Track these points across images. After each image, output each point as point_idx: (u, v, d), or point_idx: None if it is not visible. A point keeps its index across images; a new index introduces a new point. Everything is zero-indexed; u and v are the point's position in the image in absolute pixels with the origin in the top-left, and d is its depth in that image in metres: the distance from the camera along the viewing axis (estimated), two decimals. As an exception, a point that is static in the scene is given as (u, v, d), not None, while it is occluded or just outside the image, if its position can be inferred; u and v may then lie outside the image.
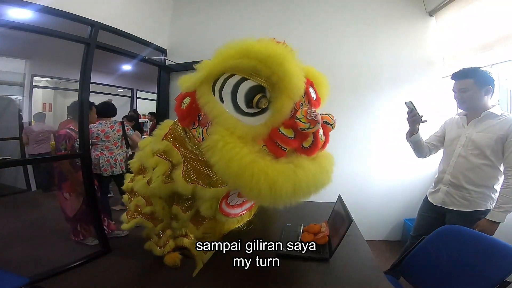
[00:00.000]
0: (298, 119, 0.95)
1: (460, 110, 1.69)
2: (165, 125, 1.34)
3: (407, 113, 1.66)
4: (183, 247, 1.94)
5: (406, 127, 1.91)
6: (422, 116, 1.61)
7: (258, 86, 0.96)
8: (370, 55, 2.83)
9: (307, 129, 0.95)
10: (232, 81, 0.98)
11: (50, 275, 2.06)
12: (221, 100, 0.98)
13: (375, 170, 2.87)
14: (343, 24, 2.88)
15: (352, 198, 2.56)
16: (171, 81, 3.32)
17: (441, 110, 2.77)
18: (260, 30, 3.01)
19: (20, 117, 4.03)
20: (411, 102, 1.61)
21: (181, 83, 1.11)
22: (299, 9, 2.94)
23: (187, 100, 1.10)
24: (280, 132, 0.96)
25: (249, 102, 0.95)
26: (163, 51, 3.20)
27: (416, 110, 1.60)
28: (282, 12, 2.97)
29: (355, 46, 2.86)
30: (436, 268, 1.22)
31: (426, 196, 1.76)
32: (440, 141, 1.75)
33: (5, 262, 2.22)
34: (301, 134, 0.98)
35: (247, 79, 0.97)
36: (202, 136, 1.09)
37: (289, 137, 0.96)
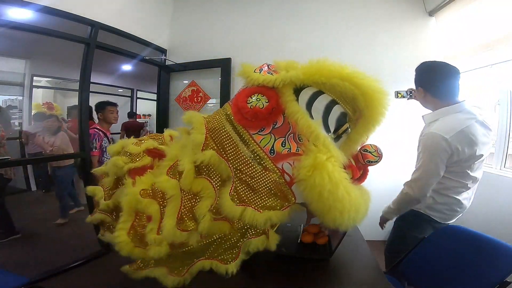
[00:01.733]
0: (370, 152, 1.03)
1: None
2: (196, 122, 0.95)
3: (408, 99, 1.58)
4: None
5: (406, 128, 1.91)
6: None
7: (345, 113, 0.93)
8: (370, 55, 2.83)
9: (374, 162, 1.02)
10: (324, 100, 0.92)
11: (50, 275, 2.06)
12: (310, 115, 0.89)
13: (375, 170, 2.86)
14: (343, 24, 2.88)
15: (352, 198, 2.57)
16: (171, 81, 3.32)
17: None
18: (260, 30, 3.01)
19: (20, 117, 4.03)
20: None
21: (248, 72, 0.96)
22: (299, 9, 2.94)
23: (262, 98, 0.89)
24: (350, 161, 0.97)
25: (338, 128, 0.93)
26: (163, 51, 3.20)
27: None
28: (282, 12, 2.97)
29: (355, 46, 2.86)
30: (436, 268, 1.22)
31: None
32: None
33: (5, 262, 2.22)
34: (362, 165, 1.02)
35: (337, 103, 0.92)
36: (273, 147, 0.88)
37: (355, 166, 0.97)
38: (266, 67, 0.99)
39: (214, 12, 3.12)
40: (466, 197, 1.37)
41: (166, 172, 0.94)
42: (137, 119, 6.13)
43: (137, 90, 6.77)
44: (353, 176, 0.96)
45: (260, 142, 0.88)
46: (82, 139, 2.37)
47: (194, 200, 0.90)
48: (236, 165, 0.89)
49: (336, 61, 0.95)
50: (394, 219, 1.52)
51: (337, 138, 0.93)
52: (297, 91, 0.91)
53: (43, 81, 4.66)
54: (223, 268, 0.90)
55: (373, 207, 3.36)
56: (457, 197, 1.33)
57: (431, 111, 1.39)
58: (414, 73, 1.50)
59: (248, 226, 0.91)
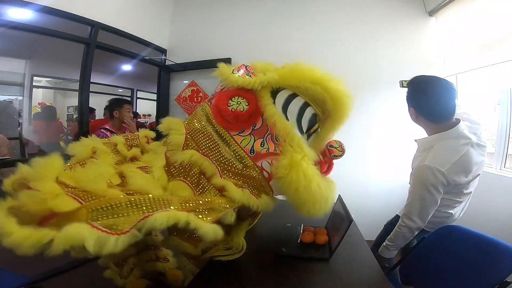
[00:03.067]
0: (335, 147, 1.14)
1: None
2: (174, 125, 0.99)
3: None
4: (158, 273, 1.15)
5: (406, 128, 1.91)
6: None
7: (315, 114, 1.03)
8: (370, 55, 2.84)
9: (338, 156, 1.13)
10: (298, 102, 1.00)
11: (50, 275, 2.06)
12: (286, 117, 0.97)
13: (375, 170, 2.87)
14: (343, 24, 2.89)
15: (352, 198, 2.57)
16: (171, 81, 3.32)
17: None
18: (260, 30, 3.01)
19: (20, 117, 4.03)
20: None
21: (227, 74, 1.00)
22: (299, 9, 2.95)
23: (242, 101, 0.96)
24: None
25: (309, 128, 1.02)
26: (163, 51, 3.20)
27: None
28: (282, 12, 2.97)
29: (355, 46, 2.86)
30: (435, 268, 1.22)
31: None
32: None
33: (5, 262, 2.22)
34: (328, 159, 1.12)
35: (309, 105, 1.01)
36: (253, 147, 0.95)
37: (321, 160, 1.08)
38: (244, 69, 1.04)
39: (214, 12, 3.13)
40: (459, 209, 1.37)
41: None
42: (138, 119, 6.13)
43: (137, 90, 6.77)
44: (321, 170, 1.07)
45: (240, 143, 0.95)
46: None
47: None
48: (219, 163, 0.94)
49: (309, 64, 1.03)
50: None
51: (308, 136, 1.04)
52: (274, 93, 0.99)
53: (43, 81, 4.66)
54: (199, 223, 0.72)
55: (373, 207, 3.36)
56: (450, 211, 1.33)
57: (425, 135, 1.36)
58: (407, 88, 1.40)
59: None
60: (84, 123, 2.36)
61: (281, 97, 0.99)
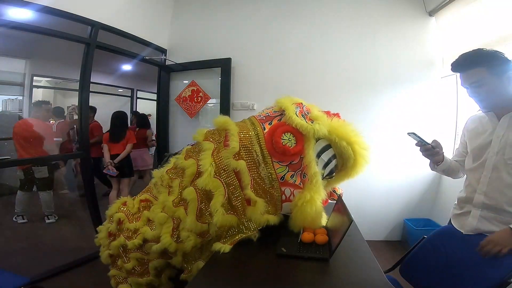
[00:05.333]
0: (336, 193, 1.57)
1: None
2: (232, 130, 1.23)
3: (416, 145, 1.32)
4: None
5: (406, 128, 1.91)
6: (432, 144, 1.29)
7: (337, 165, 1.29)
8: (369, 55, 2.83)
9: (336, 199, 1.43)
10: (329, 153, 1.24)
11: (50, 275, 2.06)
12: (317, 162, 1.21)
13: (375, 170, 2.87)
14: (343, 24, 2.89)
15: (352, 198, 2.56)
16: (171, 81, 3.32)
17: (440, 111, 2.78)
18: (260, 30, 3.01)
19: (20, 117, 4.03)
20: (415, 134, 1.26)
21: (290, 109, 1.21)
22: (299, 9, 2.94)
23: (293, 139, 1.18)
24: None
25: (328, 175, 1.29)
26: (163, 51, 3.20)
27: (423, 140, 1.28)
28: (282, 12, 2.97)
29: (355, 46, 2.86)
30: (436, 268, 1.22)
31: (449, 221, 1.36)
32: (466, 155, 1.33)
33: (5, 261, 2.22)
34: (327, 199, 1.39)
35: (335, 158, 1.27)
36: (284, 176, 1.21)
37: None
38: (302, 108, 1.26)
39: (214, 12, 3.13)
40: None
41: (166, 172, 1.33)
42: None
43: (137, 90, 6.77)
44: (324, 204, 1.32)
45: (277, 169, 1.20)
46: (82, 139, 2.37)
47: (207, 201, 1.18)
48: (253, 177, 1.19)
49: (351, 126, 1.27)
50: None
51: (324, 180, 1.28)
52: (317, 139, 1.22)
53: (43, 81, 4.66)
54: (219, 246, 1.15)
55: (373, 207, 3.35)
56: None
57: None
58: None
59: (249, 224, 1.22)
60: (84, 123, 2.35)
61: (319, 145, 1.23)
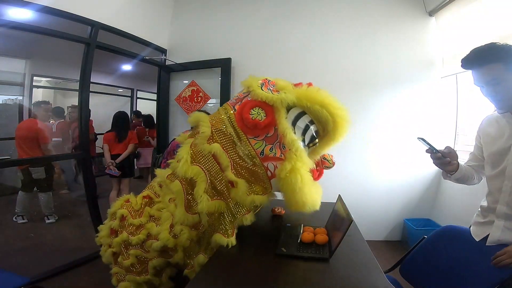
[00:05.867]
0: (327, 160, 1.47)
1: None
2: (203, 118, 1.25)
3: (426, 151, 1.18)
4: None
5: (406, 128, 1.90)
6: (444, 150, 1.17)
7: (317, 131, 1.26)
8: (370, 55, 2.83)
9: (329, 168, 1.48)
10: (305, 119, 1.22)
11: (50, 275, 2.06)
12: (294, 131, 1.18)
13: (375, 170, 2.87)
14: (343, 24, 2.89)
15: (352, 198, 2.56)
16: (171, 81, 3.32)
17: (440, 111, 2.78)
18: (260, 30, 3.01)
19: (20, 117, 4.03)
20: (424, 140, 1.13)
21: (254, 86, 1.19)
22: (299, 9, 2.94)
23: (262, 113, 1.17)
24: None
25: (310, 142, 1.25)
26: (163, 51, 3.20)
27: (433, 147, 1.14)
28: (282, 12, 2.97)
29: (355, 46, 2.86)
30: (436, 268, 1.22)
31: (469, 230, 1.23)
32: (482, 160, 1.22)
33: (5, 261, 2.22)
34: (320, 168, 1.42)
35: (313, 123, 1.23)
36: (263, 150, 1.18)
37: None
38: (267, 83, 1.23)
39: (214, 12, 3.12)
40: None
41: (167, 177, 1.27)
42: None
43: (137, 90, 6.78)
44: (313, 176, 1.30)
45: (254, 145, 1.18)
46: (82, 139, 2.37)
47: (193, 191, 1.16)
48: (233, 158, 1.18)
49: (321, 89, 1.25)
50: None
51: (308, 148, 1.26)
52: (287, 109, 1.20)
53: (43, 81, 4.67)
54: (225, 240, 1.15)
55: (373, 207, 3.36)
56: None
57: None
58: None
59: (237, 208, 1.22)
60: (84, 123, 2.35)
61: (292, 114, 1.20)
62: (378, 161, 2.87)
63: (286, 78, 3.28)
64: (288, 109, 1.20)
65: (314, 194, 1.21)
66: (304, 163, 1.15)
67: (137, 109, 6.57)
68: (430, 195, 2.81)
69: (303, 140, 1.22)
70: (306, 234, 1.20)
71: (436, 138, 2.75)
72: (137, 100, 6.86)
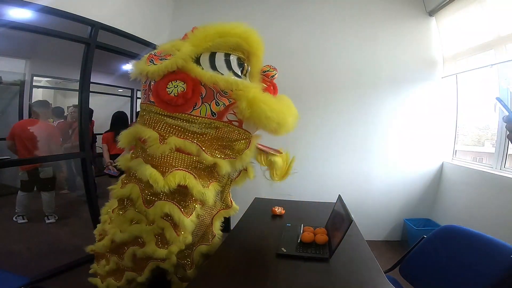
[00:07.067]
0: (268, 70, 1.37)
1: None
2: (141, 132, 1.13)
3: (503, 119, 0.83)
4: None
5: (406, 128, 1.89)
6: None
7: (239, 57, 1.20)
8: (370, 55, 2.83)
9: (275, 74, 1.40)
10: (220, 56, 1.15)
11: (50, 275, 2.06)
12: (220, 73, 1.13)
13: (375, 170, 2.87)
14: (343, 24, 2.88)
15: (352, 198, 2.56)
16: (171, 81, 3.31)
17: (441, 111, 2.78)
18: (260, 30, 2.99)
19: (20, 117, 4.03)
20: (502, 101, 0.84)
21: (144, 68, 1.12)
22: (299, 9, 2.94)
23: (179, 83, 1.07)
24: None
25: (242, 70, 1.20)
26: (163, 51, 3.20)
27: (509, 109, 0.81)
28: (282, 13, 2.97)
29: (355, 46, 2.86)
30: (435, 268, 1.22)
31: None
32: None
33: (5, 262, 2.22)
34: (269, 82, 1.37)
35: (230, 54, 1.17)
36: (212, 111, 1.11)
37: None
38: (154, 55, 1.16)
39: (214, 12, 3.12)
40: None
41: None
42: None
43: (137, 90, 6.76)
44: (270, 93, 1.28)
45: (201, 115, 1.10)
46: (82, 139, 2.37)
47: (150, 188, 1.07)
48: (196, 140, 1.11)
49: (208, 24, 1.19)
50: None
51: (245, 76, 1.22)
52: (197, 61, 1.12)
53: (43, 81, 4.66)
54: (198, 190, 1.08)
55: (373, 207, 3.35)
56: None
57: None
58: None
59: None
60: (84, 123, 2.35)
61: (205, 61, 1.14)
62: (378, 161, 2.87)
63: (286, 78, 3.29)
64: (197, 61, 1.12)
65: (286, 104, 1.22)
66: (253, 89, 1.12)
67: (138, 110, 6.57)
68: (430, 195, 2.81)
69: (235, 74, 1.17)
70: (306, 234, 1.20)
71: (436, 138, 2.76)
72: (137, 100, 6.85)
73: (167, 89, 1.07)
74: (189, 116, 1.10)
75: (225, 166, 1.12)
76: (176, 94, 1.06)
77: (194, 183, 1.07)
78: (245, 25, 1.20)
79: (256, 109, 1.07)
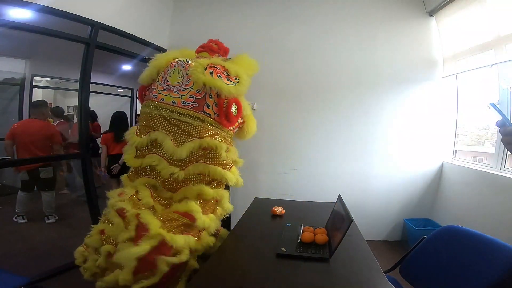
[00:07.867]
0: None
1: None
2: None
3: (496, 125, 0.83)
4: None
5: (406, 128, 1.89)
6: None
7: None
8: (370, 55, 2.83)
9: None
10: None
11: (50, 275, 2.06)
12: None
13: (375, 170, 2.87)
14: (343, 24, 2.88)
15: (352, 198, 2.56)
16: (171, 81, 3.31)
17: (440, 111, 2.78)
18: (260, 30, 3.01)
19: (20, 117, 4.03)
20: (495, 106, 0.82)
21: (222, 85, 1.58)
22: (299, 9, 2.94)
23: (235, 106, 1.62)
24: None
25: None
26: (163, 51, 3.19)
27: (506, 118, 0.81)
28: (282, 13, 2.97)
29: (355, 46, 2.86)
30: (435, 268, 1.22)
31: None
32: None
33: (5, 262, 2.22)
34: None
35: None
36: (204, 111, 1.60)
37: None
38: (217, 70, 1.66)
39: (214, 12, 3.12)
40: None
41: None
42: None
43: (137, 90, 6.77)
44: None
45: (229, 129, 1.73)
46: (82, 139, 2.37)
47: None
48: (228, 140, 1.74)
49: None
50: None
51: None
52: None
53: (43, 81, 4.66)
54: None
55: (373, 207, 3.35)
56: None
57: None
58: None
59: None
60: (84, 123, 2.35)
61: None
62: (378, 161, 2.87)
63: (286, 78, 3.31)
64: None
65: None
66: (250, 113, 1.86)
67: (138, 109, 6.57)
68: (430, 195, 2.81)
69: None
70: (306, 234, 1.20)
71: (436, 138, 2.76)
72: (137, 100, 6.84)
73: (232, 110, 1.56)
74: (231, 131, 1.65)
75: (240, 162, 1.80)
76: (235, 114, 1.59)
77: (235, 170, 1.71)
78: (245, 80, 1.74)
79: (250, 130, 1.82)
